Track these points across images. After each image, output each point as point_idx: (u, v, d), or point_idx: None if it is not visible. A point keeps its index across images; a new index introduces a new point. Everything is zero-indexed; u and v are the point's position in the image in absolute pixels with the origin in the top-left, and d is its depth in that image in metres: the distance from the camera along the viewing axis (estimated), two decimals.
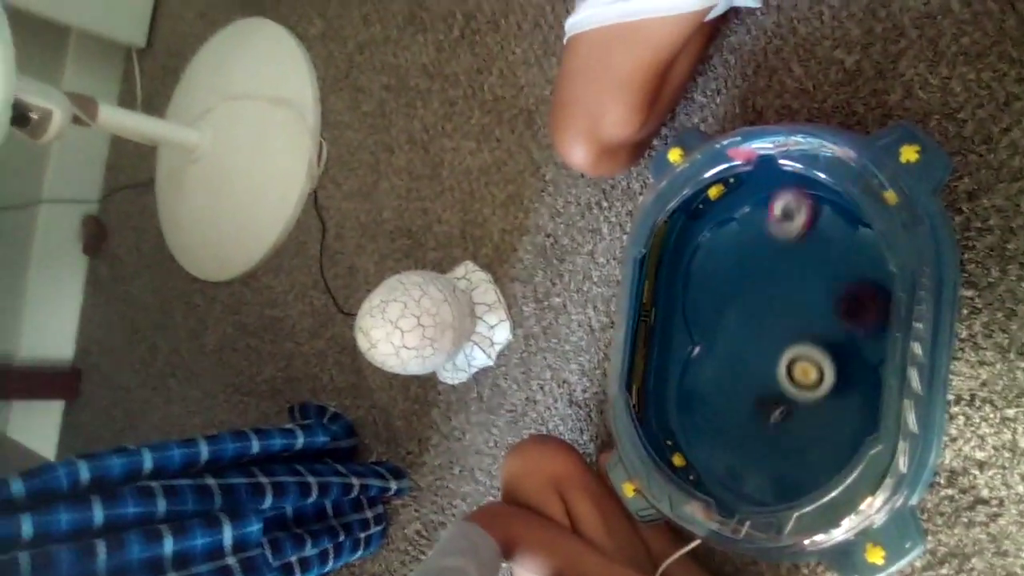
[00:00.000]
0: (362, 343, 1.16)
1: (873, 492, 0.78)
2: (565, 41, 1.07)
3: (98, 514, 1.03)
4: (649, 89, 1.02)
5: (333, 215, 1.53)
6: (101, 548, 0.99)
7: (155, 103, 1.99)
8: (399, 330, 1.14)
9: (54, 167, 2.09)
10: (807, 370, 0.90)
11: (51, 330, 2.11)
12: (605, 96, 1.02)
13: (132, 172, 2.04)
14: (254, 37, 1.82)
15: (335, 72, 1.58)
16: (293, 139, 1.64)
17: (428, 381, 1.33)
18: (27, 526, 0.95)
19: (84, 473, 1.05)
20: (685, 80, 1.09)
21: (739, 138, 0.92)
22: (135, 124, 1.69)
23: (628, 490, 0.96)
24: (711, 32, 1.06)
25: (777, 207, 0.94)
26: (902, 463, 0.77)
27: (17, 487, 0.99)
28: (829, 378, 0.88)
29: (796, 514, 0.82)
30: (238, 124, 1.77)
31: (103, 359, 2.02)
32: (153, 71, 2.05)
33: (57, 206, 2.09)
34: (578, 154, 1.06)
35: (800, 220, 0.92)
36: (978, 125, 0.85)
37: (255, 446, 1.23)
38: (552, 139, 1.09)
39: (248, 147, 1.74)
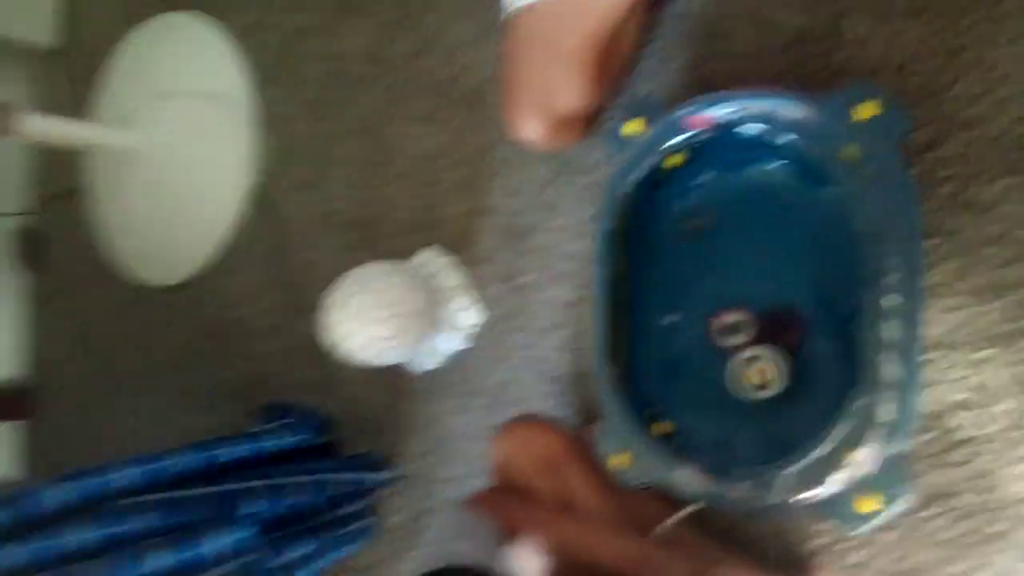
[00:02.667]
0: (328, 338, 1.15)
1: (857, 445, 0.81)
2: (503, 19, 1.06)
3: (76, 538, 1.00)
4: (598, 59, 1.02)
5: (284, 209, 1.50)
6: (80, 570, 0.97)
7: (78, 106, 1.90)
8: (364, 323, 1.12)
9: None
10: (758, 370, 0.93)
11: None
12: (553, 71, 1.02)
13: (65, 178, 1.95)
14: (178, 31, 1.75)
15: (272, 62, 1.53)
16: (232, 133, 1.59)
17: (401, 370, 1.32)
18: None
19: (64, 495, 1.03)
20: (634, 46, 1.08)
21: (695, 105, 0.93)
22: (61, 131, 1.62)
23: (617, 460, 0.97)
24: None
25: (718, 325, 0.97)
26: (885, 412, 0.80)
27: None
28: (781, 371, 0.91)
29: (783, 472, 0.85)
30: (172, 122, 1.71)
31: (56, 376, 1.95)
32: (73, 72, 1.96)
33: None
34: (532, 130, 1.06)
35: (746, 334, 0.95)
36: (927, 77, 0.87)
37: (222, 454, 1.21)
38: (504, 118, 1.08)
39: (185, 145, 1.68)
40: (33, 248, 2.02)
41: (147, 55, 1.81)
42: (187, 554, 1.05)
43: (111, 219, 1.84)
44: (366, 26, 1.38)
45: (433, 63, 1.29)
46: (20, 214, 2.04)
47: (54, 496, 1.04)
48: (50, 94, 2.00)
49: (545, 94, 1.02)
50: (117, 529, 1.04)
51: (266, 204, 1.52)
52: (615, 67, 1.07)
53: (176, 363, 1.67)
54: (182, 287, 1.66)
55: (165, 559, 1.03)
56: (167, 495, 1.11)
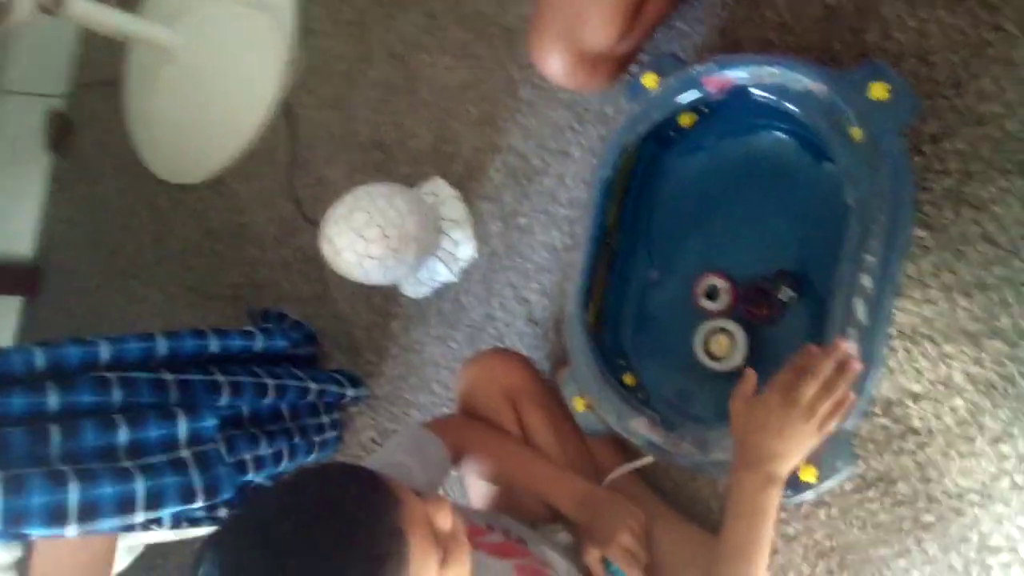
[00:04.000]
0: (326, 250, 1.17)
1: None
2: None
3: (53, 400, 1.03)
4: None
5: (305, 124, 1.52)
6: (55, 433, 1.00)
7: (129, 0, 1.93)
8: (363, 239, 1.14)
9: (20, 58, 2.02)
10: (721, 342, 0.94)
11: (11, 225, 2.07)
12: (585, 2, 1.01)
13: (102, 67, 1.98)
14: None
15: None
16: (269, 44, 1.60)
17: (390, 293, 1.34)
18: None
19: (40, 359, 1.05)
20: (658, 19, 1.08)
21: (714, 66, 0.93)
22: (106, 18, 1.64)
23: (579, 405, 0.98)
24: None
25: (701, 286, 0.98)
26: None
27: None
28: (741, 349, 0.93)
29: (725, 431, 0.85)
30: (214, 26, 1.72)
31: (65, 258, 1.99)
32: None
33: (21, 98, 2.03)
34: (555, 62, 1.04)
35: (723, 302, 0.96)
36: (950, 70, 0.86)
37: (214, 345, 1.23)
38: (529, 46, 1.07)
39: (223, 50, 1.70)
40: (60, 132, 2.05)
41: None
42: (145, 433, 1.07)
43: (140, 113, 1.87)
44: None
45: None
46: (51, 96, 2.06)
47: (37, 357, 1.07)
48: None
49: (573, 25, 1.01)
50: (90, 398, 1.06)
51: (290, 117, 1.54)
52: (647, 13, 1.05)
53: (182, 260, 1.70)
54: (197, 187, 1.69)
55: (123, 434, 1.06)
56: (145, 375, 1.13)
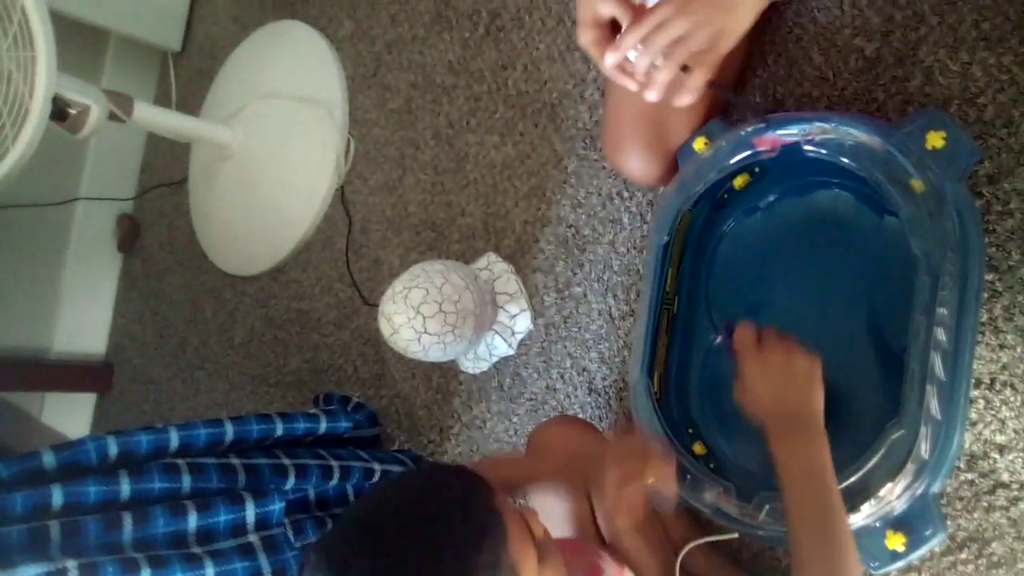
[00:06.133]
0: (385, 328, 1.18)
1: (894, 478, 0.78)
2: None
3: (125, 488, 1.05)
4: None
5: (359, 210, 1.56)
6: (127, 520, 1.01)
7: (189, 103, 2.03)
8: (421, 315, 1.15)
9: (91, 166, 2.13)
10: None
11: (85, 325, 2.15)
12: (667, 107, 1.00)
13: (166, 171, 2.08)
14: (285, 38, 1.85)
15: (363, 71, 1.61)
16: (322, 136, 1.66)
17: (450, 371, 1.34)
18: (57, 496, 0.98)
19: (112, 448, 1.08)
20: (738, 71, 1.06)
21: (764, 126, 0.92)
22: (169, 121, 1.73)
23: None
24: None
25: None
26: (924, 449, 0.76)
27: (49, 459, 1.02)
28: None
29: None
30: (269, 122, 1.80)
31: (135, 353, 2.05)
32: (188, 73, 2.09)
33: (93, 203, 2.13)
34: (645, 169, 1.02)
35: None
36: (999, 109, 0.85)
37: (279, 428, 1.25)
38: (611, 159, 1.06)
39: (278, 144, 1.77)
40: (127, 234, 2.14)
41: (255, 59, 1.92)
42: (214, 519, 1.09)
43: (203, 210, 1.95)
44: (456, 39, 1.43)
45: (516, 76, 1.33)
46: (120, 200, 2.16)
47: (110, 446, 1.10)
48: (168, 92, 2.13)
49: (659, 127, 1.00)
50: (161, 485, 1.08)
51: (344, 204, 1.58)
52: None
53: (246, 349, 1.74)
54: (259, 278, 1.73)
55: (192, 520, 1.07)
56: (213, 461, 1.15)
